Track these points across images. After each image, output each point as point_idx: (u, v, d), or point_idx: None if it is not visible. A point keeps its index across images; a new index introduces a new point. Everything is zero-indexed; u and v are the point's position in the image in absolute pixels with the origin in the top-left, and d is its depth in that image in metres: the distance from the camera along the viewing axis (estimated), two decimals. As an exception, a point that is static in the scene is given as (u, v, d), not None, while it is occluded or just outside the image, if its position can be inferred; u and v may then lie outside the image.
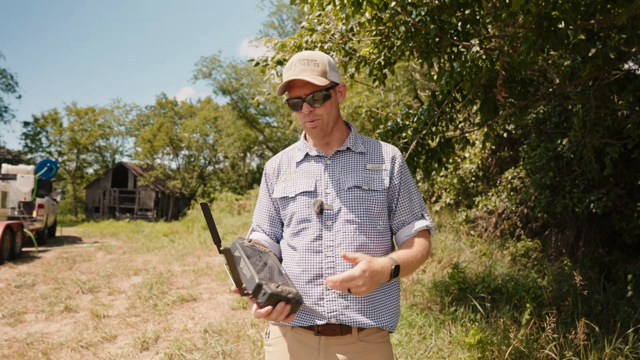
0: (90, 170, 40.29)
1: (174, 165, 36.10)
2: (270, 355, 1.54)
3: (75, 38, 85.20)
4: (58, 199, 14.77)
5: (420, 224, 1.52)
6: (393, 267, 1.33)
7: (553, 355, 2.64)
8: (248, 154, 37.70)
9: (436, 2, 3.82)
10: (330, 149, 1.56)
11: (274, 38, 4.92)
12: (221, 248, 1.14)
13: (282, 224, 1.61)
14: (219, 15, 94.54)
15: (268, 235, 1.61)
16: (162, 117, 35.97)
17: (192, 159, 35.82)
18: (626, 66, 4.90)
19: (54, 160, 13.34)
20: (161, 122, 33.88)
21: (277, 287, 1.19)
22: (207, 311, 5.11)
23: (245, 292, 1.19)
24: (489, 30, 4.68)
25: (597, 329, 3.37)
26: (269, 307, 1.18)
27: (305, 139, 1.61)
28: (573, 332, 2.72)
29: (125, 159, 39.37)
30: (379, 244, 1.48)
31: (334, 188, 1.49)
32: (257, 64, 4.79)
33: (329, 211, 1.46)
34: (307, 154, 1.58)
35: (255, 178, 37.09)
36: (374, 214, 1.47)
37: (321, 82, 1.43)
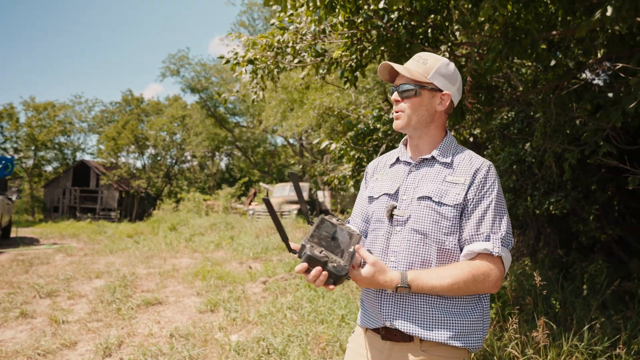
0: (49, 168, 38.71)
1: (139, 164, 35.18)
2: (348, 350, 1.62)
3: (33, 28, 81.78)
4: (14, 198, 14.11)
5: (477, 246, 1.37)
6: (397, 286, 1.33)
7: (516, 353, 2.73)
8: (217, 154, 37.21)
9: (407, 8, 3.88)
10: (418, 155, 1.56)
11: (244, 34, 4.87)
12: (265, 198, 1.28)
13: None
14: (189, 12, 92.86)
15: (358, 229, 1.67)
16: (127, 114, 34.98)
17: (159, 158, 34.99)
18: (584, 75, 5.14)
19: (9, 157, 12.73)
20: (126, 120, 32.92)
21: (320, 252, 1.26)
22: (174, 315, 5.00)
23: (292, 250, 1.32)
24: (457, 37, 4.80)
25: (554, 327, 3.51)
26: (305, 264, 1.26)
27: (405, 145, 1.63)
28: (534, 332, 2.82)
29: (87, 157, 38.05)
30: (446, 261, 1.42)
31: (409, 195, 1.48)
32: (228, 61, 4.72)
33: (399, 217, 1.46)
34: (398, 158, 1.61)
35: (224, 178, 36.63)
36: (443, 228, 1.41)
37: (413, 75, 1.46)
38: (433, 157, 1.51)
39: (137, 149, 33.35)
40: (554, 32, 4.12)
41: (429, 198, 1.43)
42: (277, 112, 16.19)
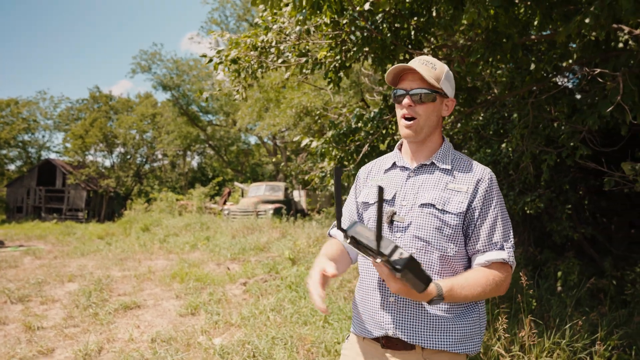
0: (12, 167, 37.23)
1: (107, 163, 34.24)
2: (344, 357, 1.58)
3: (-6, 23, 78.42)
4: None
5: (494, 255, 1.41)
6: (435, 297, 1.29)
7: (502, 351, 2.80)
8: (189, 153, 36.60)
9: (391, 10, 3.91)
10: (417, 160, 1.54)
11: (226, 33, 4.81)
12: (379, 186, 1.10)
13: None
14: (159, 8, 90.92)
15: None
16: (95, 112, 33.97)
17: (128, 157, 34.15)
18: (558, 80, 5.30)
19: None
20: (94, 117, 31.97)
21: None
22: (153, 319, 4.89)
23: (379, 252, 1.12)
24: (438, 40, 4.87)
25: (540, 324, 3.61)
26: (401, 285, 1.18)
27: (400, 149, 1.60)
28: (522, 331, 2.90)
29: (53, 156, 36.83)
30: (447, 268, 1.43)
31: (409, 201, 1.46)
32: (211, 60, 4.66)
33: (399, 223, 1.44)
34: (394, 163, 1.58)
35: (196, 177, 36.08)
36: (445, 236, 1.41)
37: (431, 81, 1.44)
38: (433, 163, 1.50)
39: (105, 147, 32.47)
40: (533, 37, 4.24)
41: (432, 205, 1.42)
42: (253, 111, 16.04)
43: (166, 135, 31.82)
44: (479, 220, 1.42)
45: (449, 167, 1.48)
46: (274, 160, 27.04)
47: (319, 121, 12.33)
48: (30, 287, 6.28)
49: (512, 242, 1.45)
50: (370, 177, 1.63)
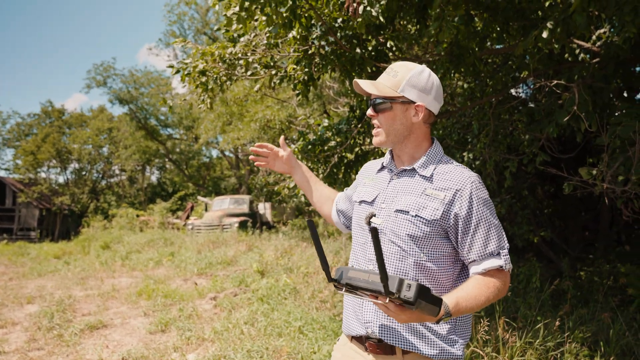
0: (-45, 186, 34.98)
1: (61, 180, 32.83)
2: (333, 359, 1.59)
3: None
4: None
5: (490, 263, 1.38)
6: (443, 316, 1.24)
7: (479, 351, 2.90)
8: (147, 167, 35.64)
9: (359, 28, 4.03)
10: (399, 165, 1.55)
11: (190, 41, 4.79)
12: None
13: (348, 212, 1.76)
14: (115, 20, 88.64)
15: (335, 203, 1.82)
16: (47, 127, 32.55)
17: (84, 173, 32.88)
18: (514, 91, 5.59)
19: None
20: (47, 132, 30.65)
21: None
22: (122, 337, 4.73)
23: (389, 292, 1.08)
24: (403, 53, 5.04)
25: (513, 323, 3.76)
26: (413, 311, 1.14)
27: (391, 152, 1.61)
28: (504, 332, 3.01)
29: (2, 173, 34.91)
30: (423, 274, 1.40)
31: (387, 204, 1.47)
32: (178, 71, 4.62)
33: (377, 226, 1.45)
34: (382, 165, 1.60)
35: (155, 192, 35.13)
36: (418, 242, 1.39)
37: (381, 91, 1.45)
38: (413, 169, 1.48)
39: (59, 163, 31.15)
40: (492, 50, 4.47)
41: (407, 212, 1.40)
42: (216, 125, 15.89)
43: (124, 149, 30.89)
44: (468, 229, 1.39)
45: (429, 173, 1.44)
46: (237, 173, 26.76)
47: (284, 133, 12.37)
48: (-15, 311, 5.93)
49: (507, 247, 1.41)
50: (365, 175, 1.66)
